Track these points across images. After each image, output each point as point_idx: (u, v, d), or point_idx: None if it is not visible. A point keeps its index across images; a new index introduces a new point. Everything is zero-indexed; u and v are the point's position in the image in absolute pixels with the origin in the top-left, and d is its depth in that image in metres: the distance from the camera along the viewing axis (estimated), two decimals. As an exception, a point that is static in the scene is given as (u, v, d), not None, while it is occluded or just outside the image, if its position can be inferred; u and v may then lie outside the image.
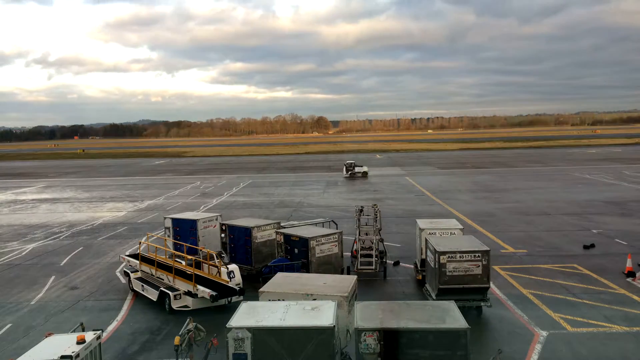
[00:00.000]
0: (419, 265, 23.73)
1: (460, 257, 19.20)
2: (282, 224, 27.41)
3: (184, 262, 22.60)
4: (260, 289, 16.83)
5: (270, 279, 18.09)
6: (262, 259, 25.12)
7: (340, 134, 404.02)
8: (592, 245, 29.49)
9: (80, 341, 12.90)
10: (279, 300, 15.58)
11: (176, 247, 26.67)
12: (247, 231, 25.59)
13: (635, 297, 21.18)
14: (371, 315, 13.64)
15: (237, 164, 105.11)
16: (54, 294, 24.10)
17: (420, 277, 23.27)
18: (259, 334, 12.79)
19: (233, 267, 21.69)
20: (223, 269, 21.04)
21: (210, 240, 27.89)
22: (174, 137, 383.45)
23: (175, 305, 20.92)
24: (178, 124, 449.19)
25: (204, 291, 20.24)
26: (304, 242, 23.12)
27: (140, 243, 27.62)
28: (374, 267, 24.63)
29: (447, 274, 19.15)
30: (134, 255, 25.25)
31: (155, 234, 32.46)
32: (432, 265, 19.94)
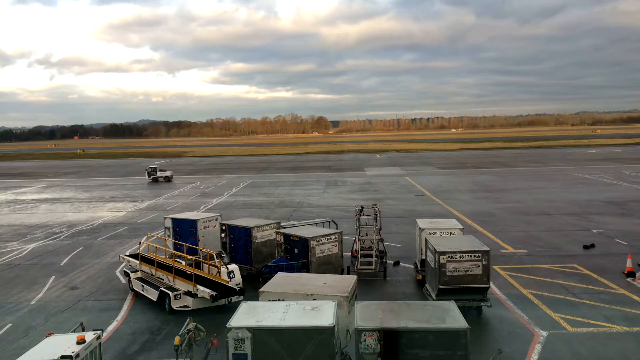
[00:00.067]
0: (419, 265, 23.73)
1: (460, 257, 19.20)
2: (282, 224, 27.41)
3: (184, 262, 22.60)
4: (260, 289, 16.83)
5: (270, 279, 18.10)
6: (262, 259, 25.11)
7: (340, 134, 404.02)
8: (592, 245, 29.49)
9: (80, 341, 12.90)
10: (279, 300, 15.58)
11: (176, 247, 26.67)
12: (247, 231, 25.58)
13: (635, 297, 21.18)
14: (371, 315, 13.64)
15: (237, 164, 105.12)
16: (54, 294, 24.11)
17: (420, 277, 23.27)
18: (259, 334, 12.79)
19: (233, 267, 21.69)
20: (223, 269, 21.04)
21: (210, 240, 27.89)
22: (174, 137, 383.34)
23: (175, 305, 20.92)
24: (178, 124, 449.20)
25: (204, 291, 20.24)
26: (304, 242, 23.12)
27: (140, 243, 27.62)
28: (374, 267, 24.62)
29: (447, 274, 19.15)
30: (134, 255, 25.25)
31: (155, 234, 32.46)
32: (432, 265, 19.94)
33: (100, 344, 13.77)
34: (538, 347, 16.93)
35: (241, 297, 20.27)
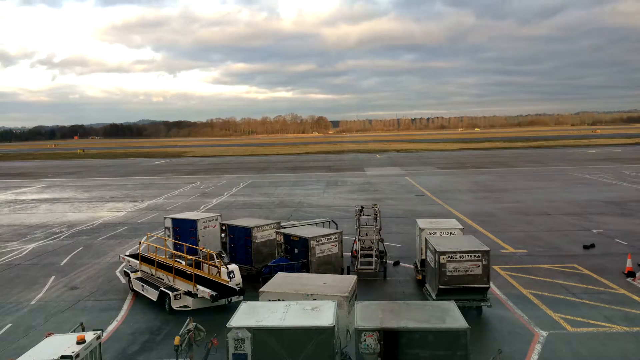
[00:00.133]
0: (419, 265, 23.72)
1: (460, 257, 19.20)
2: (282, 224, 27.40)
3: (184, 262, 22.60)
4: (260, 289, 16.82)
5: (270, 279, 18.09)
6: (262, 259, 25.11)
7: (340, 134, 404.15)
8: (592, 245, 29.49)
9: (80, 341, 12.89)
10: (279, 300, 15.57)
11: (176, 247, 26.67)
12: (247, 231, 25.58)
13: (635, 297, 21.18)
14: (371, 315, 13.64)
15: (237, 164, 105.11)
16: (54, 294, 24.11)
17: (420, 277, 23.27)
18: (259, 334, 12.79)
19: (233, 267, 21.69)
20: (223, 269, 21.04)
21: (210, 240, 27.88)
22: (174, 137, 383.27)
23: (175, 305, 20.92)
24: (178, 124, 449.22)
25: (204, 291, 20.24)
26: (304, 242, 23.12)
27: (140, 243, 27.62)
28: (374, 267, 24.62)
29: (447, 274, 19.15)
30: (134, 255, 25.25)
31: (155, 234, 32.46)
32: (432, 265, 19.94)
33: (100, 344, 13.77)
34: (538, 347, 16.93)
35: (241, 297, 20.26)
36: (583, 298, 21.21)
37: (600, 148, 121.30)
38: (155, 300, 21.92)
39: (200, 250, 24.62)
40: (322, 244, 23.23)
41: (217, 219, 28.94)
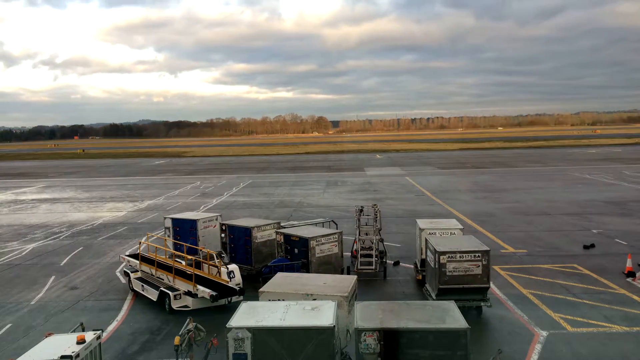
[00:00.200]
0: (419, 265, 23.72)
1: (460, 257, 19.20)
2: (282, 224, 27.40)
3: (184, 262, 22.60)
4: (260, 289, 16.82)
5: (270, 279, 18.09)
6: (262, 259, 25.11)
7: (340, 134, 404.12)
8: (592, 245, 29.49)
9: (80, 341, 12.89)
10: (279, 300, 15.57)
11: (176, 247, 26.67)
12: (247, 231, 25.58)
13: (635, 297, 21.18)
14: (371, 315, 13.64)
15: (237, 164, 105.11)
16: (54, 294, 24.10)
17: (420, 277, 23.27)
18: (259, 334, 12.79)
19: (233, 267, 21.69)
20: (223, 269, 21.04)
21: (210, 240, 27.88)
22: (174, 137, 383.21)
23: (175, 305, 20.92)
24: (178, 124, 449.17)
25: (204, 291, 20.24)
26: (304, 242, 23.12)
27: (140, 243, 27.62)
28: (374, 267, 24.62)
29: (447, 274, 19.15)
30: (134, 255, 25.24)
31: (155, 234, 32.46)
32: (432, 265, 19.94)
33: (100, 344, 13.77)
34: (538, 347, 16.93)
35: (241, 297, 20.26)
36: (583, 298, 21.21)
37: (600, 148, 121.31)
38: (155, 300, 21.91)
39: (200, 250, 24.62)
40: (322, 244, 23.23)
41: (217, 219, 28.94)
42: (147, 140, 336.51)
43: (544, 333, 17.94)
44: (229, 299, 20.51)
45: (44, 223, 42.72)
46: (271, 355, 12.72)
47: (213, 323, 17.44)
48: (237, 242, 26.19)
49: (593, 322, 18.75)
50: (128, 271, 24.60)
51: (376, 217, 26.37)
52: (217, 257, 21.91)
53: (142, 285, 23.04)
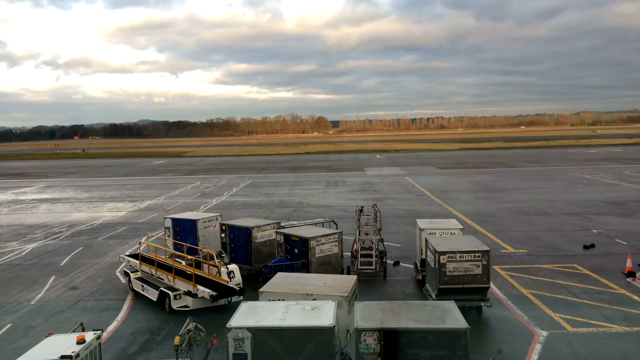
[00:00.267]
0: (419, 265, 23.72)
1: (460, 257, 19.20)
2: (282, 224, 27.40)
3: (184, 262, 22.61)
4: (260, 289, 16.82)
5: (270, 279, 18.09)
6: (262, 259, 25.11)
7: (340, 134, 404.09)
8: (592, 245, 29.49)
9: (80, 341, 12.89)
10: (279, 300, 15.57)
11: (176, 247, 26.67)
12: (247, 231, 25.58)
13: (635, 297, 21.18)
14: (371, 315, 13.64)
15: (237, 164, 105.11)
16: (54, 294, 24.11)
17: (420, 277, 23.27)
18: (259, 334, 12.79)
19: (233, 267, 21.69)
20: (223, 269, 21.04)
21: (210, 240, 27.88)
22: (174, 137, 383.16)
23: (175, 305, 20.92)
24: (178, 124, 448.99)
25: (204, 291, 20.24)
26: (304, 242, 23.12)
27: (140, 243, 27.62)
28: (374, 267, 24.62)
29: (447, 274, 19.15)
30: (134, 255, 25.25)
31: (155, 234, 32.46)
32: (432, 265, 19.94)
33: (100, 344, 13.77)
34: (538, 347, 16.93)
35: (241, 297, 20.27)
36: (583, 298, 21.21)
37: (600, 148, 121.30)
38: (155, 300, 21.91)
39: (200, 250, 24.62)
40: (322, 244, 23.24)
41: (217, 219, 28.94)
42: (147, 140, 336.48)
43: (544, 333, 17.94)
44: (229, 299, 20.51)
45: (44, 223, 42.72)
46: (271, 355, 12.72)
47: (213, 323, 17.44)
48: (237, 242, 26.19)
49: (593, 322, 18.75)
50: (128, 271, 24.60)
51: (376, 217, 26.37)
52: (217, 257, 21.91)
53: (142, 285, 23.04)
